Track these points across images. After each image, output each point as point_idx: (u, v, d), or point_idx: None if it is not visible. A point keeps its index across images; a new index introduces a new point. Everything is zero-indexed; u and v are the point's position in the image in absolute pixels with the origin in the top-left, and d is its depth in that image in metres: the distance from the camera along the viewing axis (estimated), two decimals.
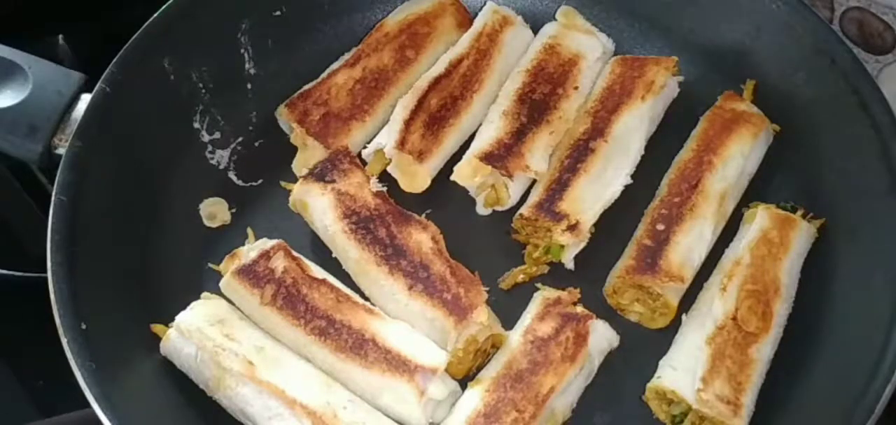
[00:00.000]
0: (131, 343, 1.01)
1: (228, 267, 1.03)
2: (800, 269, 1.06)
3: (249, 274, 1.01)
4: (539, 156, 1.10)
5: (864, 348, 0.97)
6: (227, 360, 0.96)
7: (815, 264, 1.07)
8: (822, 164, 1.11)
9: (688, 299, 1.05)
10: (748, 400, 0.97)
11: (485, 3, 1.23)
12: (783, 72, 1.15)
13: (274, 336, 1.01)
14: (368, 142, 1.14)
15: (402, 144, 1.10)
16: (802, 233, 1.07)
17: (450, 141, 1.14)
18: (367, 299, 1.04)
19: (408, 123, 1.11)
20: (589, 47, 1.18)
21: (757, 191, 1.12)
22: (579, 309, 1.03)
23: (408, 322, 1.01)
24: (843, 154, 1.10)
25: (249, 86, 1.20)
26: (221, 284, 1.02)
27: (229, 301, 1.03)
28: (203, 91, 1.16)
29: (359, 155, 1.13)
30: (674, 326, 1.04)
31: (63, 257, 0.99)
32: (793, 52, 1.15)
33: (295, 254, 1.03)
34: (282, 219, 1.11)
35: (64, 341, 0.95)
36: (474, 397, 0.98)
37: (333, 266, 1.07)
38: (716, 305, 1.01)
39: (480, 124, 1.15)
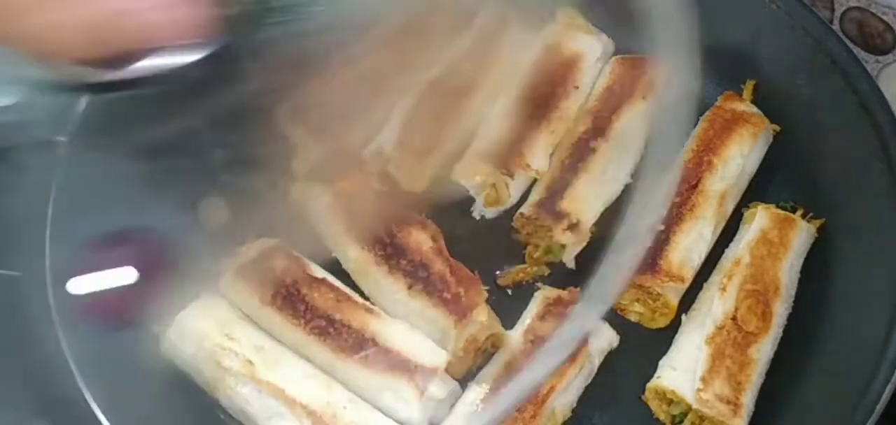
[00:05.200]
0: (131, 343, 1.01)
1: (228, 267, 1.03)
2: (800, 269, 1.06)
3: (249, 274, 1.01)
4: (540, 154, 1.10)
5: (864, 348, 0.97)
6: (226, 360, 0.96)
7: (814, 264, 1.07)
8: (822, 164, 1.11)
9: (688, 299, 1.05)
10: (748, 399, 0.97)
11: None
12: (783, 72, 1.15)
13: (274, 336, 1.01)
14: (368, 142, 1.14)
15: (402, 144, 1.10)
16: (802, 233, 1.07)
17: (450, 140, 1.14)
18: (367, 299, 1.04)
19: (408, 123, 1.11)
20: (589, 47, 1.18)
21: (757, 191, 1.12)
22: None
23: (408, 322, 1.01)
24: (843, 154, 1.10)
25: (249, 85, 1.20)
26: (221, 284, 1.03)
27: (229, 301, 1.03)
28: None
29: (359, 155, 1.13)
30: (674, 326, 1.04)
31: (62, 256, 0.99)
32: (793, 52, 1.14)
33: (295, 253, 1.04)
34: (282, 219, 1.11)
35: (64, 341, 0.95)
36: (474, 396, 0.98)
37: (333, 266, 1.07)
38: (715, 305, 1.01)
39: (480, 124, 1.15)
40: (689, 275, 1.05)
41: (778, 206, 1.09)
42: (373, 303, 1.03)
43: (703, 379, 0.97)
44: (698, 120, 1.15)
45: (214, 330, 0.98)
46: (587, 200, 1.08)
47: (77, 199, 1.04)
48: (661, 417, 1.01)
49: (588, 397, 1.02)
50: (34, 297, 0.99)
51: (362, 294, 1.05)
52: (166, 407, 0.99)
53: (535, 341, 1.00)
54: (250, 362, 0.96)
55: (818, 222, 1.09)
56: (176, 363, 1.00)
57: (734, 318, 1.00)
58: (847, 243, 1.07)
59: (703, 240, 1.06)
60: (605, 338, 1.03)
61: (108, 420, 0.92)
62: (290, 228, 1.09)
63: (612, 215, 1.08)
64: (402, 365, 0.97)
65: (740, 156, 1.10)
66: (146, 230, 1.07)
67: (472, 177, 1.10)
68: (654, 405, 1.01)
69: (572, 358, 0.99)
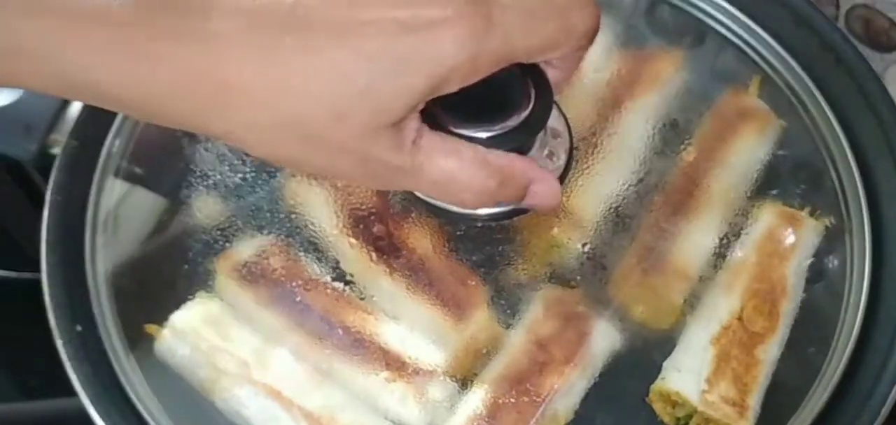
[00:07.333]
0: (127, 344, 1.00)
1: (224, 266, 1.02)
2: (806, 268, 1.05)
3: (246, 273, 1.00)
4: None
5: (870, 349, 0.96)
6: (222, 361, 0.95)
7: (820, 263, 1.05)
8: (828, 162, 1.10)
9: (692, 299, 1.03)
10: (754, 401, 0.96)
11: None
12: (788, 70, 1.14)
13: (270, 336, 0.99)
14: None
15: None
16: (809, 232, 1.05)
17: None
18: (365, 299, 1.03)
19: None
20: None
21: (762, 188, 1.11)
22: (581, 308, 1.02)
23: (407, 322, 1.00)
24: (848, 152, 1.08)
25: None
26: (217, 284, 1.01)
27: (225, 301, 1.02)
28: None
29: None
30: (678, 326, 1.03)
31: (57, 258, 0.99)
32: (797, 50, 1.13)
33: (293, 253, 1.02)
34: (280, 218, 1.10)
35: (58, 343, 0.94)
36: (474, 398, 0.97)
37: (332, 266, 1.06)
38: (721, 305, 0.99)
39: None
40: (693, 273, 1.03)
41: (784, 204, 1.07)
42: (371, 303, 1.02)
43: (709, 381, 0.96)
44: (703, 116, 1.13)
45: (209, 330, 0.97)
46: (588, 198, 1.07)
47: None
48: (666, 419, 0.99)
49: (591, 399, 1.00)
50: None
51: (360, 294, 1.04)
52: (163, 408, 0.99)
53: (536, 341, 0.99)
54: (246, 363, 0.95)
55: (825, 220, 1.07)
56: (170, 364, 0.99)
57: (740, 318, 0.99)
58: (853, 242, 1.05)
59: (709, 238, 1.04)
60: (607, 339, 1.01)
61: (105, 423, 0.91)
62: (286, 226, 1.09)
63: (613, 214, 1.07)
64: (400, 366, 0.96)
65: (745, 153, 1.09)
66: None
67: None
68: (658, 407, 1.00)
69: (574, 358, 0.98)
